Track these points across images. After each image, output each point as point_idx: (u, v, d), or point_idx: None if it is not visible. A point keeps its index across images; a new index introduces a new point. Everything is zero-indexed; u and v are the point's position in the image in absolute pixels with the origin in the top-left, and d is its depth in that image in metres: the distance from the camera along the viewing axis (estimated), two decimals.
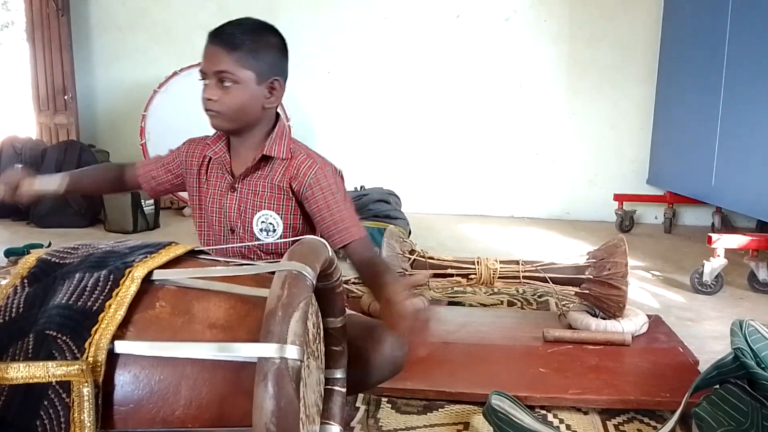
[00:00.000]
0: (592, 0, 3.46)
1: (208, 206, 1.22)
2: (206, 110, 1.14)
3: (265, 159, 1.17)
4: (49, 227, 3.06)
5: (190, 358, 0.65)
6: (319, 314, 0.86)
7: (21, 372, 0.63)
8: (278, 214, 1.18)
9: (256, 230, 1.18)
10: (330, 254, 0.78)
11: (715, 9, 2.55)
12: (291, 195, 1.18)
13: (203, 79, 1.14)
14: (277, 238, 1.18)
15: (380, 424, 1.15)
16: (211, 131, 1.24)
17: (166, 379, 0.64)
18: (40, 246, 2.42)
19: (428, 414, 1.19)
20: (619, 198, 3.33)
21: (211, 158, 1.22)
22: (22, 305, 0.70)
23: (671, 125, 3.16)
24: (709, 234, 2.13)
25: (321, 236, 1.20)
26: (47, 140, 3.82)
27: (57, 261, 0.77)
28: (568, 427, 1.16)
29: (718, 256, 2.09)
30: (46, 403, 0.63)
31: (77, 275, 0.72)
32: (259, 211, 1.18)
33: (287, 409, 0.57)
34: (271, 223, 1.18)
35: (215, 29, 1.14)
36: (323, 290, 0.85)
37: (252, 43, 1.12)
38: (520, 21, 3.53)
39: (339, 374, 0.92)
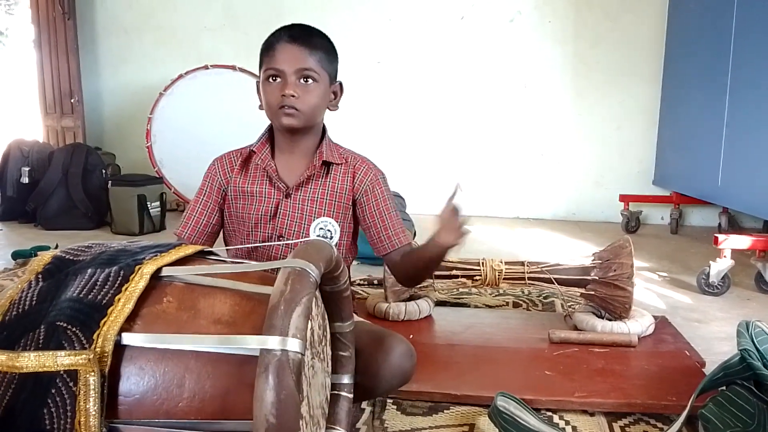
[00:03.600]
0: (596, 1, 3.45)
1: (253, 213, 1.19)
2: (283, 108, 1.12)
3: (323, 165, 1.19)
4: (56, 229, 3.08)
5: (194, 352, 0.66)
6: (326, 317, 0.86)
7: (31, 361, 0.65)
8: (337, 220, 1.19)
9: (312, 236, 1.19)
10: (335, 255, 0.78)
11: (721, 8, 2.54)
12: (350, 200, 1.20)
13: (275, 78, 1.13)
14: (333, 245, 1.19)
15: (386, 425, 1.15)
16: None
17: (171, 372, 0.65)
18: (47, 248, 2.44)
19: (434, 415, 1.19)
20: (625, 199, 3.32)
21: (251, 165, 1.20)
22: (35, 299, 0.73)
23: (677, 125, 3.15)
24: (716, 234, 2.12)
25: (368, 240, 1.24)
26: (54, 143, 3.85)
27: (71, 258, 0.79)
28: (574, 428, 1.15)
29: (725, 256, 2.08)
30: (53, 391, 0.65)
31: (89, 271, 0.74)
32: (318, 217, 1.18)
33: (287, 401, 0.57)
34: (329, 230, 1.19)
35: (287, 31, 1.14)
36: (331, 294, 0.85)
37: (326, 46, 1.16)
38: (524, 22, 3.53)
39: (346, 380, 0.92)
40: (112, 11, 3.96)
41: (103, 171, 3.32)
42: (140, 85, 3.89)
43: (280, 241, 1.19)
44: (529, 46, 3.54)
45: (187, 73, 3.43)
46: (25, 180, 3.32)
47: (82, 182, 3.23)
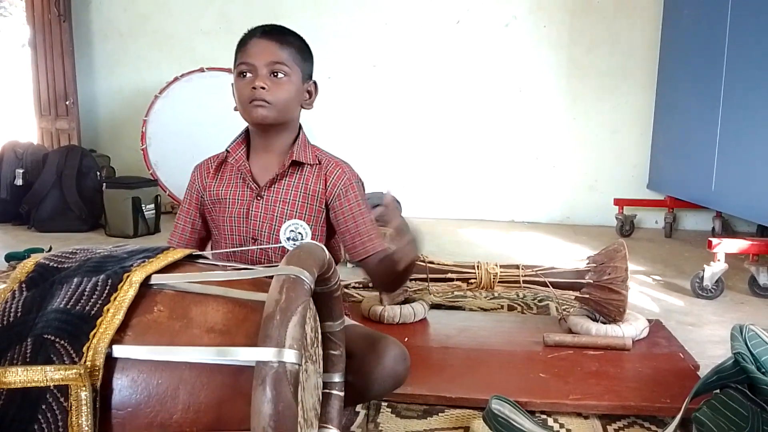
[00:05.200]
0: (591, 6, 3.47)
1: (227, 216, 1.19)
2: (254, 101, 1.11)
3: (294, 166, 1.17)
4: (50, 231, 3.07)
5: (188, 363, 0.65)
6: (317, 318, 0.86)
7: (19, 376, 0.63)
8: (308, 223, 1.17)
9: (282, 239, 1.17)
10: (328, 258, 0.78)
11: (715, 14, 2.56)
12: (323, 203, 1.18)
13: (245, 73, 1.12)
14: None
15: (380, 428, 1.14)
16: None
17: (164, 384, 0.64)
18: (41, 250, 2.43)
19: (428, 418, 1.19)
20: (620, 202, 3.33)
21: (228, 167, 1.20)
22: (20, 310, 0.70)
23: (671, 130, 3.16)
24: (710, 238, 2.13)
25: (342, 245, 1.22)
26: (48, 145, 3.84)
27: (55, 266, 0.76)
28: (568, 431, 1.15)
29: (719, 260, 2.09)
30: (44, 407, 0.63)
31: (75, 280, 0.72)
32: (288, 219, 1.16)
33: (285, 413, 0.56)
34: (300, 233, 1.17)
35: (260, 28, 1.15)
36: (321, 294, 0.85)
37: (299, 44, 1.17)
38: (519, 27, 3.54)
39: (337, 378, 0.91)
40: (107, 14, 3.96)
41: (98, 173, 3.31)
42: (135, 87, 3.89)
43: (254, 243, 1.17)
44: (525, 50, 3.55)
45: (182, 75, 3.43)
46: (19, 182, 3.31)
47: (76, 184, 3.22)
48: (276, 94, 1.11)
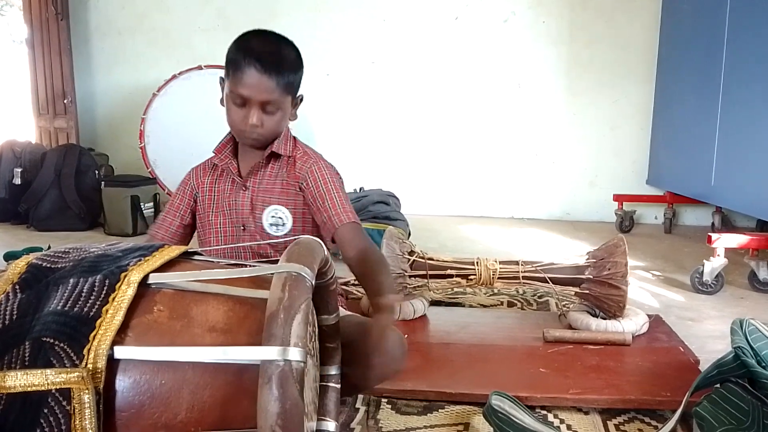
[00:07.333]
0: (590, 1, 3.46)
1: (218, 210, 1.27)
2: (249, 133, 1.18)
3: (273, 157, 1.24)
4: (48, 230, 3.07)
5: (190, 362, 0.64)
6: (314, 312, 0.86)
7: (19, 380, 0.62)
8: (288, 208, 1.23)
9: (265, 225, 1.23)
10: (325, 253, 0.78)
11: (714, 9, 2.56)
12: (297, 187, 1.24)
13: (242, 104, 1.16)
14: (287, 232, 1.23)
15: (380, 425, 1.14)
16: (211, 148, 1.29)
17: (168, 384, 0.64)
18: (40, 249, 2.42)
19: (428, 414, 1.19)
20: (619, 198, 3.33)
21: (218, 168, 1.28)
22: (15, 312, 0.69)
23: (671, 125, 3.16)
24: (709, 233, 2.13)
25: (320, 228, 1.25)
26: (47, 144, 3.83)
27: (48, 266, 0.75)
28: (568, 427, 1.16)
29: (719, 255, 2.09)
30: (45, 411, 0.62)
31: (71, 280, 0.71)
32: (269, 206, 1.23)
33: (292, 410, 0.56)
34: (280, 218, 1.23)
35: (257, 58, 1.13)
36: (318, 288, 0.84)
37: (292, 71, 1.18)
38: (518, 22, 3.54)
39: (333, 371, 0.91)
40: (105, 12, 3.95)
41: (96, 172, 3.30)
42: (133, 85, 3.88)
43: (243, 232, 1.24)
44: (524, 46, 3.55)
45: (180, 73, 3.41)
46: (18, 181, 3.30)
47: (75, 183, 3.21)
48: (268, 127, 1.18)
